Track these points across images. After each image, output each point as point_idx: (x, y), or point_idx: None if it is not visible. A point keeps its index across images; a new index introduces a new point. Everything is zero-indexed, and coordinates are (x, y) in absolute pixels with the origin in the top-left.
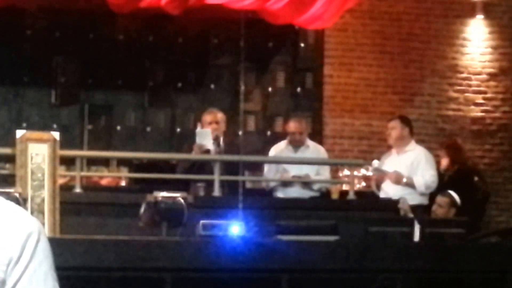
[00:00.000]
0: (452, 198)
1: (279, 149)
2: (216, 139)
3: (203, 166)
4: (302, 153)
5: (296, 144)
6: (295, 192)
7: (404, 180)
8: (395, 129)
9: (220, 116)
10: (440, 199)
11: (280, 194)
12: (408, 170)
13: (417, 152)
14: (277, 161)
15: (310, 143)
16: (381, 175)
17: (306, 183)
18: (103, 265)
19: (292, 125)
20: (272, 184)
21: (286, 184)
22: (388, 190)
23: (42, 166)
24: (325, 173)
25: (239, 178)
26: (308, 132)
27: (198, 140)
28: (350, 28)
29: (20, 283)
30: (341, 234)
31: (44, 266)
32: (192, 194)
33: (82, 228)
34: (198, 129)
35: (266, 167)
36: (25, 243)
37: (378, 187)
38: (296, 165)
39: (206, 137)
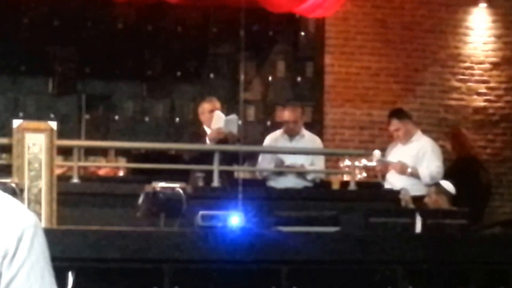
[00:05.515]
0: (439, 186)
1: (274, 137)
2: None
3: (211, 155)
4: (297, 143)
5: (291, 133)
6: (289, 181)
7: (409, 170)
8: (399, 129)
9: (218, 104)
10: (428, 189)
11: (274, 183)
12: (413, 160)
13: (422, 142)
14: (277, 151)
15: (305, 132)
16: (385, 166)
17: (301, 173)
18: (100, 256)
19: (286, 114)
20: (265, 173)
21: (280, 173)
22: (393, 181)
23: (39, 156)
24: (319, 163)
25: (240, 168)
26: (303, 121)
27: (225, 127)
28: (351, 16)
29: (17, 279)
30: (341, 225)
31: (42, 261)
32: (191, 184)
33: (80, 218)
34: (226, 117)
35: (261, 156)
36: (21, 236)
37: (383, 177)
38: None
39: (233, 123)
